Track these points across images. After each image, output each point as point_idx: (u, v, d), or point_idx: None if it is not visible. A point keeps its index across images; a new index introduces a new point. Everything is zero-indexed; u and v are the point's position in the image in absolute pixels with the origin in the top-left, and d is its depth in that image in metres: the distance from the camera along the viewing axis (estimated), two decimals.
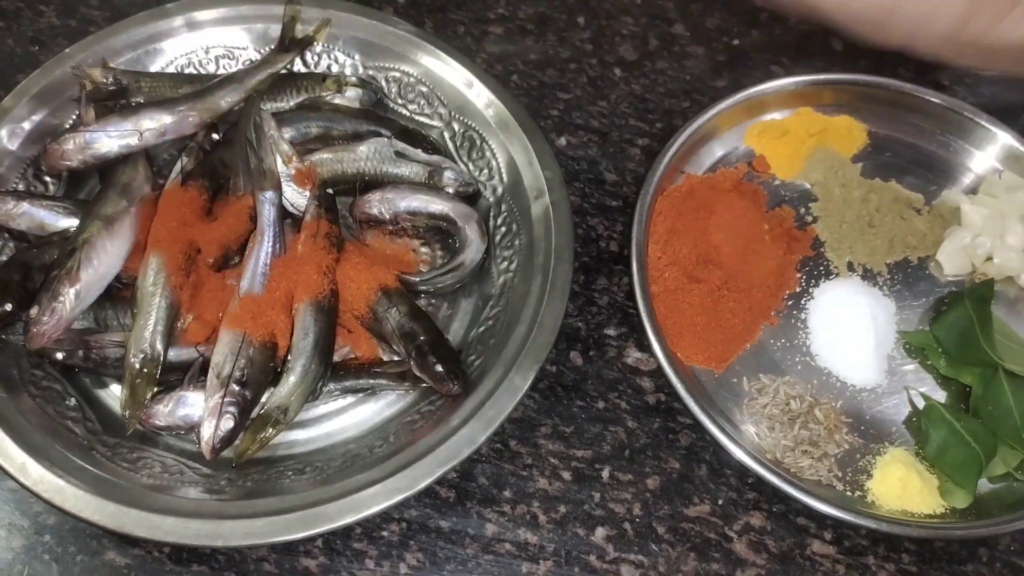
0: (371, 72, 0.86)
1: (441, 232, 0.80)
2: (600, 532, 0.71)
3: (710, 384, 0.76)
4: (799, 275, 0.82)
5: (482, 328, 0.76)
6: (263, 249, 0.73)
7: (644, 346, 0.79)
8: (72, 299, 0.68)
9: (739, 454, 0.69)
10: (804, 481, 0.71)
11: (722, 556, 0.70)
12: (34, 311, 0.68)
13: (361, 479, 0.65)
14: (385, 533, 0.69)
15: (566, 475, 0.73)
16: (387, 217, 0.78)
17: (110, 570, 0.67)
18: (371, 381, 0.73)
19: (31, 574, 0.66)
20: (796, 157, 0.88)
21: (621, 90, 0.93)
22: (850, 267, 0.83)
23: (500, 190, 0.81)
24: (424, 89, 0.85)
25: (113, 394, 0.72)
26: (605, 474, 0.73)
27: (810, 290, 0.82)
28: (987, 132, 0.88)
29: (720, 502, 0.72)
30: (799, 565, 0.70)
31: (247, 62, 0.85)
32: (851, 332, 0.79)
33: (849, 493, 0.72)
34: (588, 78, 0.93)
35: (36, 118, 0.78)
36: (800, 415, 0.74)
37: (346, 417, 0.73)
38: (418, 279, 0.76)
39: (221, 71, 0.85)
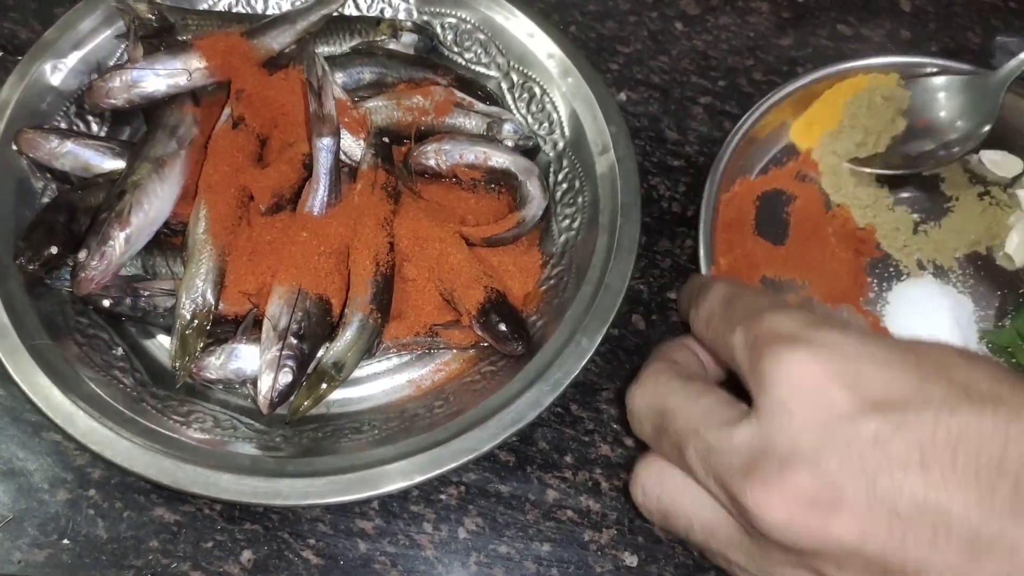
0: (426, 17, 0.82)
1: (497, 186, 0.77)
2: None
3: None
4: (869, 279, 0.77)
5: (543, 287, 0.73)
6: (318, 198, 0.70)
7: None
8: (122, 243, 0.65)
9: None
10: None
11: None
12: (83, 255, 0.64)
13: (422, 440, 0.62)
14: (443, 496, 0.67)
15: (629, 442, 0.70)
16: (443, 169, 0.75)
17: (158, 527, 0.64)
18: (428, 339, 0.70)
19: (75, 529, 0.64)
20: None
21: (683, 45, 0.89)
22: (920, 265, 0.78)
23: (561, 144, 0.78)
24: (482, 37, 0.81)
25: (160, 344, 0.70)
26: None
27: (884, 295, 0.76)
28: None
29: None
30: None
31: (296, 3, 0.81)
32: (935, 338, 0.73)
33: None
34: (648, 32, 0.89)
35: (79, 54, 0.74)
36: None
37: (401, 376, 0.71)
38: (478, 235, 0.73)
39: (271, 11, 0.81)
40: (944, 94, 0.80)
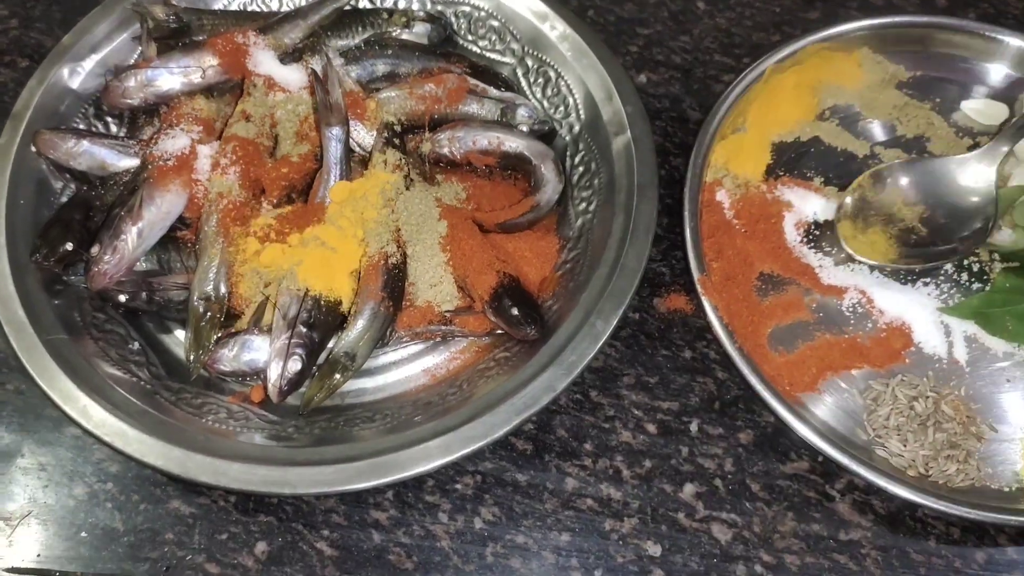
0: (439, 6, 0.82)
1: (513, 172, 0.75)
2: (689, 488, 0.66)
3: (820, 407, 0.66)
4: None
5: (559, 272, 0.71)
6: (329, 188, 0.70)
7: None
8: (134, 238, 0.66)
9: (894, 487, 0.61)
10: (956, 491, 0.63)
11: (823, 516, 0.64)
12: (95, 250, 0.65)
13: (433, 427, 0.61)
14: (459, 486, 0.65)
15: (651, 428, 0.68)
16: (458, 156, 0.74)
17: (174, 519, 0.64)
18: (442, 327, 0.69)
19: (93, 523, 0.64)
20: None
21: (705, 24, 0.86)
22: None
23: (577, 128, 0.76)
24: (495, 24, 0.80)
25: (177, 340, 0.70)
26: (693, 427, 0.68)
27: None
28: None
29: (820, 458, 0.66)
30: (909, 527, 0.64)
31: None
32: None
33: (1007, 489, 0.63)
34: (669, 12, 0.87)
35: (96, 57, 0.76)
36: (929, 416, 0.65)
37: (416, 364, 0.70)
38: (491, 220, 0.72)
39: (284, 8, 0.81)
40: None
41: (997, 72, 0.80)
